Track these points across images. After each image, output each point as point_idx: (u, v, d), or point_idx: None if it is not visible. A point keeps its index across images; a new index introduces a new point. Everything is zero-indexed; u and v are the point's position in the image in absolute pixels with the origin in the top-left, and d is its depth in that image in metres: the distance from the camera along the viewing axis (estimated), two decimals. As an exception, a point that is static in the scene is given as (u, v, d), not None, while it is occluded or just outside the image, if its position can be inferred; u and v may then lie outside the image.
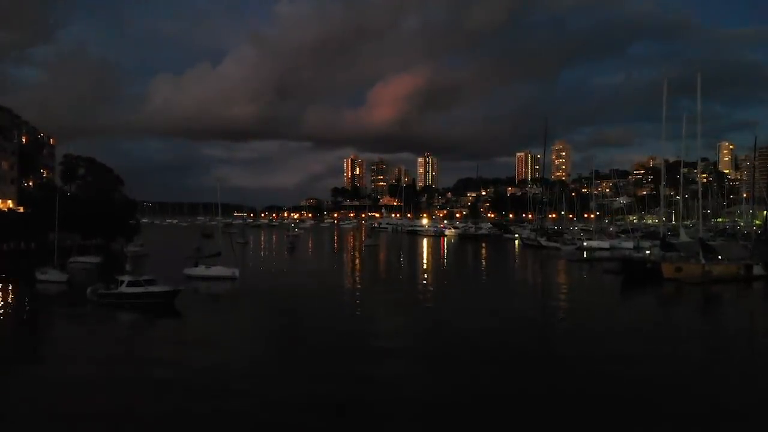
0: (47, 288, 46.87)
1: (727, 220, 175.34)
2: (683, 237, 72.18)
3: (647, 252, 73.22)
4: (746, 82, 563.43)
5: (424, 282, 53.60)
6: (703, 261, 50.35)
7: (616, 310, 39.24)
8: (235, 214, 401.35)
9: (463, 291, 47.99)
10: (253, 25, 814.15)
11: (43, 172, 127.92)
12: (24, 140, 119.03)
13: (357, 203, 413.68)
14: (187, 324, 33.88)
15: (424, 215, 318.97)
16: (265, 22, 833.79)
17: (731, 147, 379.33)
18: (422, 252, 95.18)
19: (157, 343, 28.70)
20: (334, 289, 47.55)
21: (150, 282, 37.48)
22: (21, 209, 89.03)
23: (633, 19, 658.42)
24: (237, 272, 50.46)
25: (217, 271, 50.86)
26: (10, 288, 49.70)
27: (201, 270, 51.32)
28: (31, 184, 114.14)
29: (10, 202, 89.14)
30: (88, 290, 38.56)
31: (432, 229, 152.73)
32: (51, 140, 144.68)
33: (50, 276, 48.55)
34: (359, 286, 50.66)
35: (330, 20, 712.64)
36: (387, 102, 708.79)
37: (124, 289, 37.17)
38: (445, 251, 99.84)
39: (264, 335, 30.43)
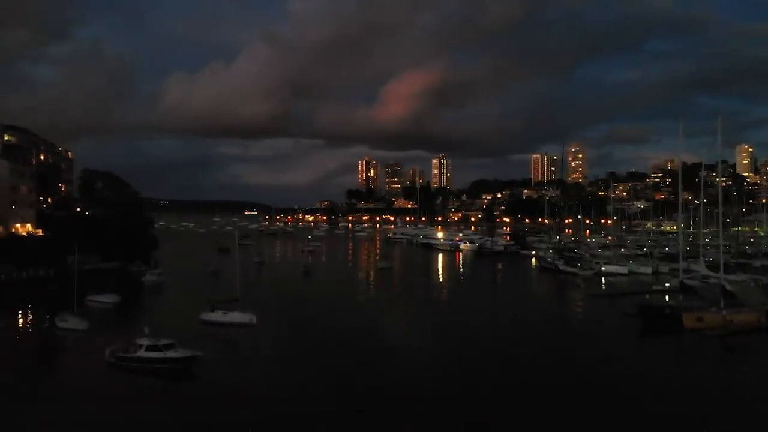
0: (67, 336, 47.28)
1: (746, 228, 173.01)
2: (702, 268, 71.54)
3: (667, 284, 72.56)
4: (765, 78, 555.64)
5: (438, 324, 53.66)
6: (723, 311, 49.62)
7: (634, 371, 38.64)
8: (246, 213, 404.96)
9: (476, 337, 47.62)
10: (266, 22, 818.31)
11: (61, 187, 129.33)
12: (42, 158, 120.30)
13: (372, 205, 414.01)
14: (205, 398, 33.92)
15: (439, 219, 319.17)
16: (278, 19, 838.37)
17: (750, 150, 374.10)
18: (437, 278, 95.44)
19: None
20: (352, 342, 47.20)
21: (168, 347, 37.68)
22: (40, 232, 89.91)
23: (649, 15, 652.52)
24: (254, 318, 50.55)
25: (234, 317, 50.91)
26: (29, 336, 50.39)
27: (218, 316, 51.39)
28: (50, 200, 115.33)
29: (29, 225, 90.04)
30: (107, 352, 38.92)
31: (447, 242, 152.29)
32: (69, 154, 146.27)
33: (70, 323, 48.71)
34: (376, 334, 50.56)
35: (343, 17, 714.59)
36: (400, 99, 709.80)
37: (142, 353, 37.48)
38: (461, 275, 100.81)
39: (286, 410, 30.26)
